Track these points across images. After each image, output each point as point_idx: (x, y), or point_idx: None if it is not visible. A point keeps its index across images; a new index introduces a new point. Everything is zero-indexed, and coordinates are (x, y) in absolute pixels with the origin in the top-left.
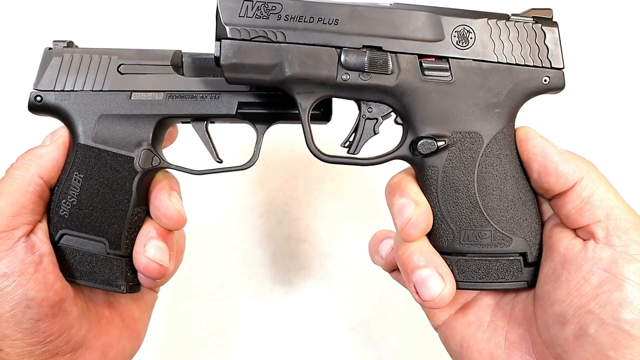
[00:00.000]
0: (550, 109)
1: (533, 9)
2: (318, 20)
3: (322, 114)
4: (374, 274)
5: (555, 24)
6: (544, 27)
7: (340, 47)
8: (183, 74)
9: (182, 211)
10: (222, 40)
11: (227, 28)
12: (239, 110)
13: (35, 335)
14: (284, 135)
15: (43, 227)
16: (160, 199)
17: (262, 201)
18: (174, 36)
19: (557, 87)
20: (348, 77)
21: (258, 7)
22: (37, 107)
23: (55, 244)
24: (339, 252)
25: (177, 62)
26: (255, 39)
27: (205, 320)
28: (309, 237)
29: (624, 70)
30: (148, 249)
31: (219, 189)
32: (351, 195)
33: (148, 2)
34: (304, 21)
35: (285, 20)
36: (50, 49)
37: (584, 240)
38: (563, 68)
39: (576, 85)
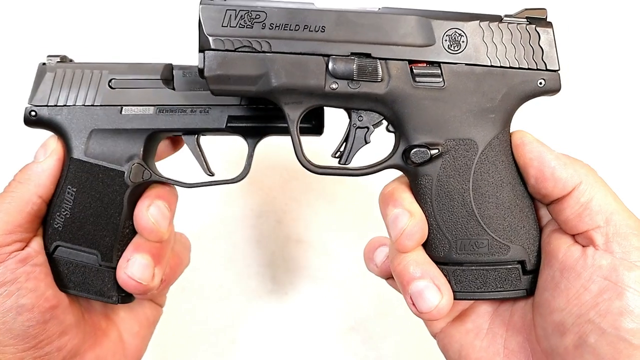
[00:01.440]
0: (546, 112)
1: (527, 9)
2: (304, 28)
3: (314, 126)
4: (374, 274)
5: (549, 25)
6: (538, 28)
7: (328, 55)
8: (173, 88)
9: (158, 222)
10: (206, 52)
11: (210, 39)
12: (228, 124)
13: (26, 341)
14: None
15: (38, 240)
16: (138, 209)
17: (262, 201)
18: (168, 48)
19: (552, 90)
20: (337, 85)
21: (242, 16)
22: (32, 121)
23: (49, 255)
24: (338, 252)
25: (167, 75)
26: (239, 50)
27: (205, 320)
28: (309, 237)
29: (621, 70)
30: (130, 264)
31: (219, 189)
32: (351, 195)
33: (142, 15)
34: (290, 29)
35: (270, 29)
36: (44, 64)
37: (583, 246)
38: (559, 70)
39: (573, 86)
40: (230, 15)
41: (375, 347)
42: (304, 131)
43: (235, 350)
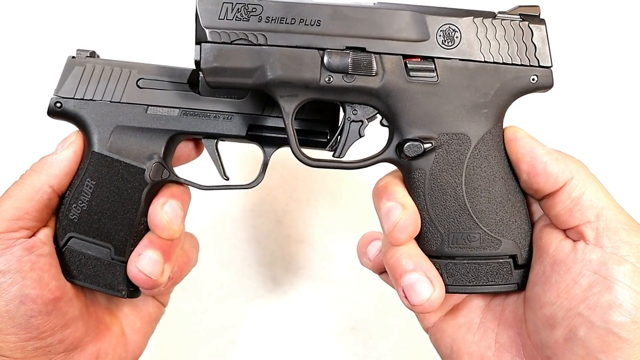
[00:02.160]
0: (539, 108)
1: (520, 6)
2: (300, 22)
3: (329, 141)
4: (374, 274)
5: (542, 21)
6: (531, 25)
7: (323, 49)
8: (199, 93)
9: (172, 220)
10: (202, 44)
11: (207, 31)
12: (249, 132)
13: (28, 331)
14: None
15: (46, 231)
16: (153, 207)
17: (262, 201)
18: (188, 53)
19: (545, 86)
20: (331, 79)
21: (238, 9)
22: (56, 112)
23: (62, 246)
24: (338, 251)
25: (194, 80)
26: (235, 42)
27: (205, 320)
28: (309, 237)
29: (614, 66)
30: (141, 259)
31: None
32: (351, 195)
33: (171, 19)
34: (285, 23)
35: (266, 22)
36: (73, 57)
37: (574, 241)
38: (551, 66)
39: (565, 83)
40: (227, 8)
41: (375, 347)
42: (317, 145)
43: (235, 350)
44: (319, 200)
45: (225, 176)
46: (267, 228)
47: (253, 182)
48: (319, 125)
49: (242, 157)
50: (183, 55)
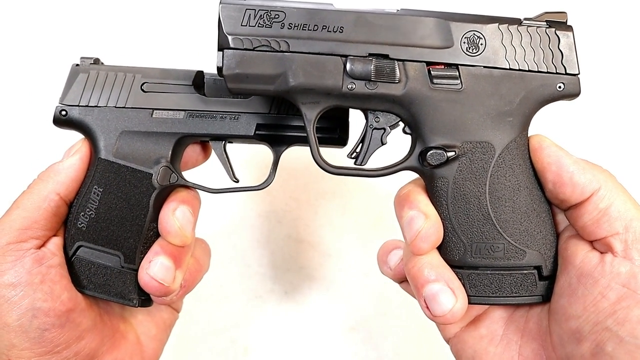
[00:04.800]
0: (565, 116)
1: (547, 12)
2: (322, 28)
3: (339, 137)
4: (374, 273)
5: (569, 28)
6: (557, 32)
7: (346, 56)
8: (204, 94)
9: (184, 227)
10: (225, 50)
11: (230, 38)
12: (257, 132)
13: (42, 345)
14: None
15: (56, 240)
16: (164, 213)
17: (262, 201)
18: (197, 56)
19: (572, 94)
20: (354, 86)
21: (261, 15)
22: (62, 121)
23: (71, 255)
24: (339, 251)
25: (198, 82)
26: (258, 49)
27: (205, 320)
28: (309, 237)
29: None
30: (152, 265)
31: None
32: (351, 194)
33: (174, 22)
34: (308, 29)
35: (288, 28)
36: (77, 65)
37: (601, 253)
38: (578, 74)
39: (593, 90)
40: (250, 14)
41: (376, 347)
42: (328, 142)
43: (235, 350)
44: (319, 200)
45: (235, 178)
46: (267, 228)
47: (264, 182)
48: (325, 123)
49: (251, 158)
50: (188, 57)
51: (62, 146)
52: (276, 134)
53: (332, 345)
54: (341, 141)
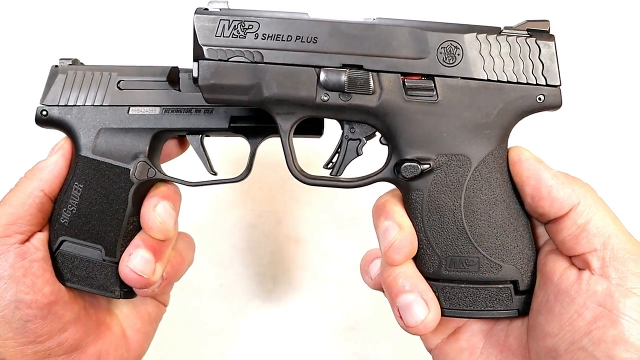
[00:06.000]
0: (547, 127)
1: (529, 20)
2: (296, 39)
3: (313, 127)
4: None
5: (551, 38)
6: (538, 41)
7: (320, 67)
8: (179, 90)
9: (165, 221)
10: (200, 61)
11: (205, 49)
12: (232, 124)
13: (25, 335)
14: None
15: (40, 236)
16: (145, 208)
17: (262, 200)
18: (175, 51)
19: (553, 106)
20: (328, 97)
21: (235, 26)
22: (43, 120)
23: (55, 250)
24: (338, 251)
25: (173, 78)
26: (232, 60)
27: (205, 320)
28: (309, 237)
29: (626, 86)
30: (132, 258)
31: (219, 189)
32: (351, 195)
33: (151, 20)
34: (282, 40)
35: (262, 39)
36: (56, 66)
37: (579, 269)
38: (560, 85)
39: (574, 101)
40: (224, 25)
41: (375, 347)
42: (305, 132)
43: (235, 350)
44: (318, 200)
45: (213, 171)
46: (267, 228)
47: (240, 175)
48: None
49: (231, 152)
50: (167, 53)
51: (49, 145)
52: (251, 126)
53: (332, 345)
54: (317, 131)
